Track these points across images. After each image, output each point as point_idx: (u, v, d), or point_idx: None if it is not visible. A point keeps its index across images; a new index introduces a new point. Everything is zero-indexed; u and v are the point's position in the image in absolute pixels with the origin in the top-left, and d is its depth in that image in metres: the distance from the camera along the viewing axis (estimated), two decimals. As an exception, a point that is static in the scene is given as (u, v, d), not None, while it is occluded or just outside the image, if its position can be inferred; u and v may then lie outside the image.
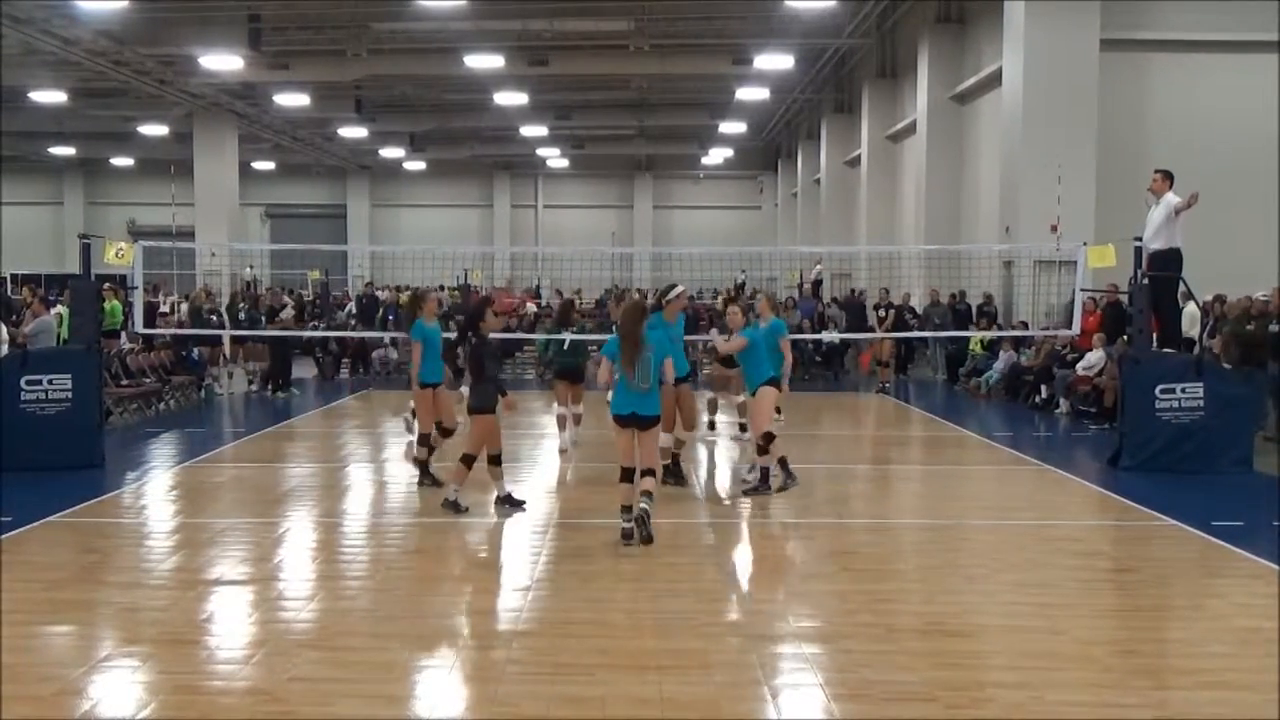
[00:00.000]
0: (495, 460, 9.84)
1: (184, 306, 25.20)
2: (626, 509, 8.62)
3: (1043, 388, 17.87)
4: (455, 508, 9.63)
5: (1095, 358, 16.36)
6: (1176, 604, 7.42)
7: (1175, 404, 12.03)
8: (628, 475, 8.71)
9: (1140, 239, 12.62)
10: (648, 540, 8.47)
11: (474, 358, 9.73)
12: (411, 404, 12.55)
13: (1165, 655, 6.35)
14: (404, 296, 28.77)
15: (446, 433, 11.01)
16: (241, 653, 6.13)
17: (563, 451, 13.13)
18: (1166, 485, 11.15)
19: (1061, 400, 17.09)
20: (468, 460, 9.72)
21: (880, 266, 24.05)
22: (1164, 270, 12.57)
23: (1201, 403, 11.99)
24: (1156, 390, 12.03)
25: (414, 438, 12.02)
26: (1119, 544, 9.12)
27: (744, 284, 37.62)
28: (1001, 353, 19.75)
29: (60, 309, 18.77)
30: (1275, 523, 9.28)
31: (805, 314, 25.03)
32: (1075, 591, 7.52)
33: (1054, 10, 19.69)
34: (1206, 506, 9.93)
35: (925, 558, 8.55)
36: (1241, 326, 14.80)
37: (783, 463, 10.19)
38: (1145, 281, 12.47)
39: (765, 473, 10.46)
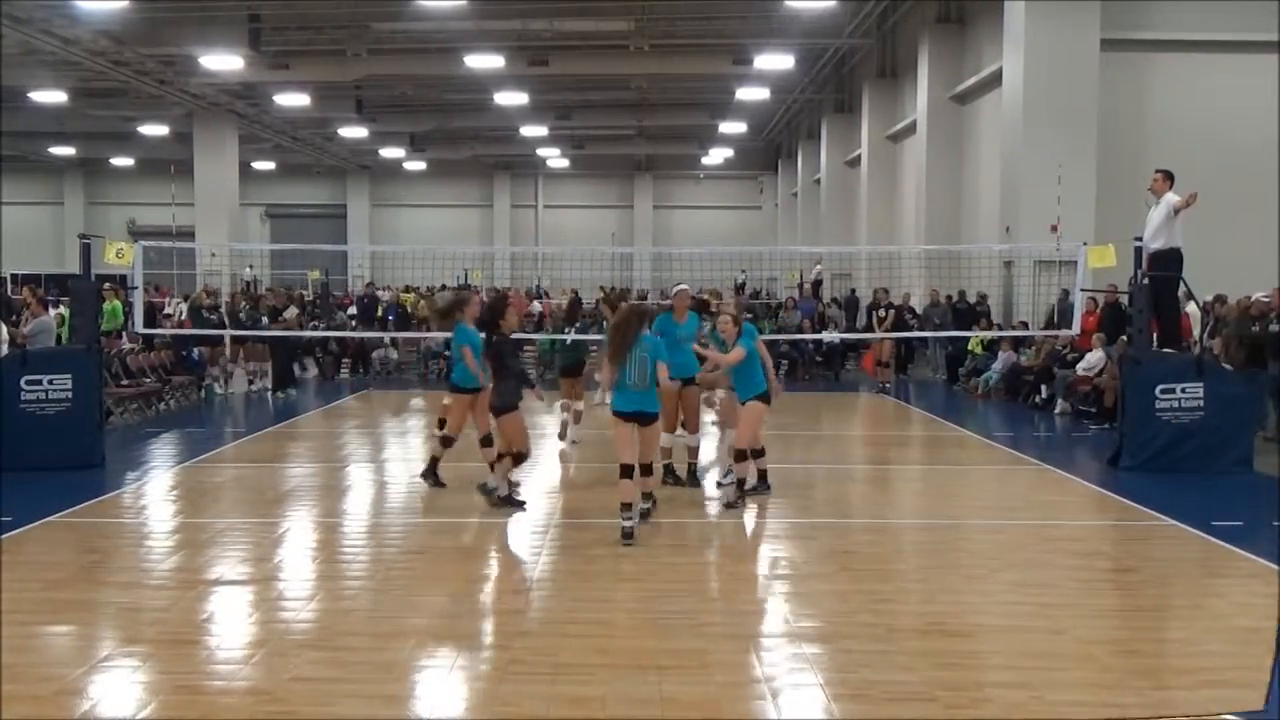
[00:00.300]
0: (516, 456, 9.88)
1: (183, 308, 25.19)
2: (626, 506, 8.66)
3: (1043, 388, 17.87)
4: (488, 494, 9.73)
5: (1095, 358, 16.36)
6: (1176, 604, 7.43)
7: (1175, 404, 12.03)
8: (627, 472, 8.74)
9: (1140, 239, 12.62)
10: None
11: (495, 356, 9.72)
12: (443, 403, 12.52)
13: (1165, 655, 6.35)
14: (406, 296, 28.83)
15: (487, 441, 10.50)
16: (241, 653, 6.13)
17: (561, 439, 13.55)
18: (1166, 485, 11.15)
19: (1060, 400, 17.08)
20: (519, 458, 9.76)
21: (880, 267, 24.05)
22: (1164, 270, 12.57)
23: (1201, 403, 11.99)
24: (1157, 390, 12.03)
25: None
26: (1119, 544, 9.12)
27: (744, 284, 37.66)
28: (1000, 353, 19.74)
29: (62, 310, 18.76)
30: (1275, 523, 9.27)
31: (805, 314, 25.05)
32: (1075, 591, 7.53)
33: (1054, 10, 19.70)
34: (1206, 507, 9.93)
35: (925, 558, 8.55)
36: (1246, 328, 14.79)
37: (741, 484, 10.03)
38: (1145, 281, 12.47)
39: (763, 474, 10.47)
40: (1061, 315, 18.66)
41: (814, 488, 11.42)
